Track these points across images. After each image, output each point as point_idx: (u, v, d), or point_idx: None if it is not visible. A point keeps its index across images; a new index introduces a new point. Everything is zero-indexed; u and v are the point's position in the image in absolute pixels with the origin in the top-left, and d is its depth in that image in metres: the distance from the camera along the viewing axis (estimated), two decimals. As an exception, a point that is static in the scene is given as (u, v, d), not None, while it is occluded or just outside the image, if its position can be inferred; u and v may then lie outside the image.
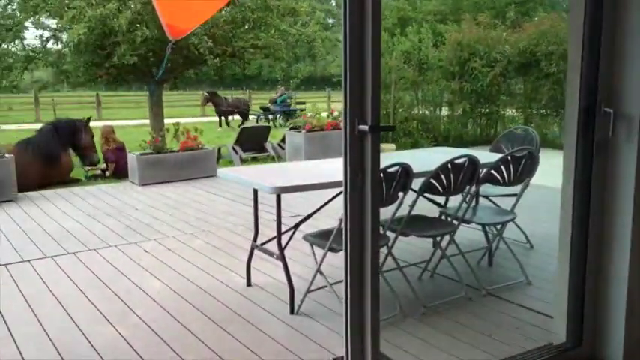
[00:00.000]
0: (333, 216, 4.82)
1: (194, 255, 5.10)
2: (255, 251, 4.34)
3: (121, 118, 28.81)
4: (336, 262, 3.86)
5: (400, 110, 13.53)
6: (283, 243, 3.99)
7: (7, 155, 7.44)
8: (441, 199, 4.49)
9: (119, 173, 9.25)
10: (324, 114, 11.75)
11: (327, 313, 3.80)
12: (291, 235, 4.24)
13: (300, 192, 4.33)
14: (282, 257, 3.93)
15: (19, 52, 11.06)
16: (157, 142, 8.67)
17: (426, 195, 3.89)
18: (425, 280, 4.39)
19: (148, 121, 23.43)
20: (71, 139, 9.40)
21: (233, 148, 11.44)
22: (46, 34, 11.73)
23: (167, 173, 8.56)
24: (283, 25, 12.34)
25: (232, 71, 16.33)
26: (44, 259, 4.99)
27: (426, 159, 4.91)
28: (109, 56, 11.27)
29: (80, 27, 10.18)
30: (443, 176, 3.82)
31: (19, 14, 11.41)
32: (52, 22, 11.71)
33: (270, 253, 4.10)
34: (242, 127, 11.93)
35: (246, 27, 12.64)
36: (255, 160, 11.64)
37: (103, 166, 9.79)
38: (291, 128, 10.77)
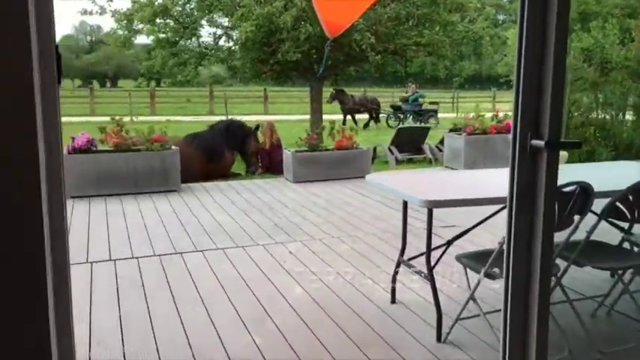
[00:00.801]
0: (493, 231, 4.32)
1: (338, 261, 4.87)
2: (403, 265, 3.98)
3: (285, 112, 29.96)
4: (494, 286, 3.39)
5: (576, 114, 12.23)
6: (433, 260, 3.59)
7: (173, 147, 7.85)
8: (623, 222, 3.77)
9: (275, 169, 9.39)
10: (488, 115, 10.95)
11: (479, 346, 3.33)
12: (443, 252, 3.82)
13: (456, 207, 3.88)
14: (430, 278, 3.53)
15: (193, 49, 11.75)
16: (312, 139, 8.64)
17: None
18: (600, 318, 3.72)
19: (308, 117, 24.15)
20: (239, 143, 9.63)
21: (389, 149, 11.13)
22: (219, 31, 12.35)
23: (321, 171, 8.50)
24: (452, 18, 11.74)
25: (393, 69, 16.00)
26: (194, 253, 5.08)
27: (609, 175, 4.19)
28: (273, 53, 11.56)
29: (248, 24, 10.53)
30: (632, 198, 3.17)
31: (196, 13, 12.13)
32: (225, 21, 12.30)
33: (418, 272, 3.72)
34: (399, 127, 11.57)
35: (410, 23, 12.25)
36: (411, 161, 11.23)
37: (259, 163, 10.02)
38: (451, 130, 10.20)
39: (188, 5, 12.09)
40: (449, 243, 3.81)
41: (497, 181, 3.81)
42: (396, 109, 22.63)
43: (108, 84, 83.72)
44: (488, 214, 3.77)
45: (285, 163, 8.74)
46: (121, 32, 12.40)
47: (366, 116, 21.51)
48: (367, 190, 7.89)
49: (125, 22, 12.09)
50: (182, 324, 3.66)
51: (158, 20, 12.02)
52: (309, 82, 13.15)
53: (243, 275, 4.53)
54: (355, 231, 5.82)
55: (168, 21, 12.26)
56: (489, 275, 3.20)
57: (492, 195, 3.33)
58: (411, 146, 11.34)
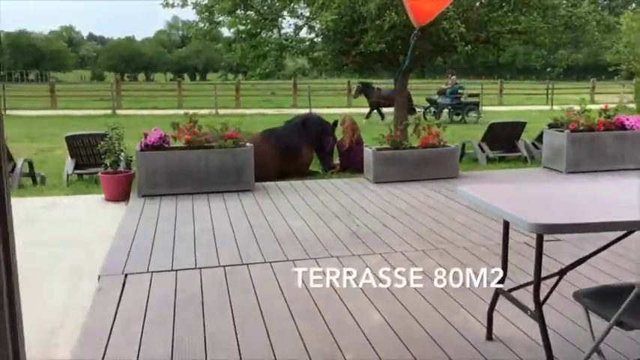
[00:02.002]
0: (619, 260, 3.56)
1: (423, 282, 4.23)
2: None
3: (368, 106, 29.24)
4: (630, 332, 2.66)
5: None
6: (543, 294, 2.90)
7: (247, 144, 7.45)
8: None
9: (355, 168, 8.79)
10: (592, 107, 9.78)
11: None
12: (555, 285, 3.10)
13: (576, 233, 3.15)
14: (539, 316, 2.84)
15: (273, 41, 11.34)
16: (395, 136, 7.99)
17: None
18: None
19: (391, 109, 23.28)
20: (316, 139, 9.06)
21: (479, 146, 10.26)
22: (300, 22, 11.87)
23: (404, 171, 7.84)
24: (552, 1, 10.63)
25: (485, 59, 14.92)
26: (262, 265, 4.60)
27: None
28: (356, 44, 10.93)
29: (329, 14, 9.96)
30: None
31: (277, 3, 11.71)
32: (306, 11, 11.80)
33: (523, 307, 3.03)
34: (491, 122, 10.62)
35: (505, 9, 11.23)
36: (503, 159, 10.30)
37: (337, 160, 9.44)
38: (551, 126, 9.16)
39: (270, -5, 11.68)
40: (562, 273, 3.09)
41: (625, 196, 3.05)
42: (432, 102, 21.17)
43: (197, 77, 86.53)
44: (610, 238, 3.03)
45: (365, 162, 8.13)
46: (202, 25, 12.20)
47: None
48: (456, 192, 7.15)
49: (206, 14, 11.87)
50: (239, 354, 3.18)
51: (238, 12, 11.71)
52: (393, 74, 12.42)
53: (313, 294, 4.00)
54: (442, 243, 5.14)
55: (249, 12, 11.93)
56: (623, 324, 2.48)
57: (626, 217, 2.61)
58: (504, 143, 10.40)
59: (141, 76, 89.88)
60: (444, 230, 5.52)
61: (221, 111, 24.85)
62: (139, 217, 6.11)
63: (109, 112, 25.12)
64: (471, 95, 21.36)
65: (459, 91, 20.91)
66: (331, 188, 7.56)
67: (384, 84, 22.22)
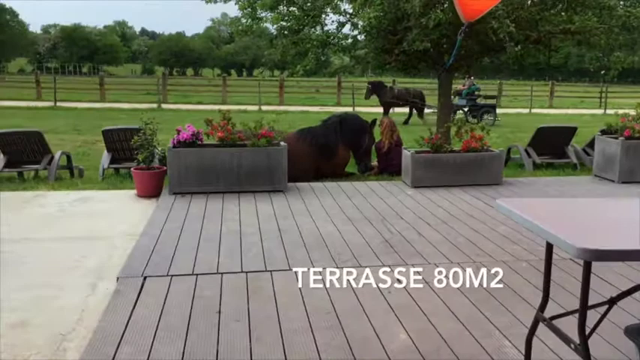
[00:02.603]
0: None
1: (456, 299, 3.92)
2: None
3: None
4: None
5: None
6: (590, 322, 2.57)
7: (281, 143, 7.25)
8: None
9: (393, 170, 8.47)
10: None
11: None
12: (604, 315, 2.76)
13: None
14: (584, 352, 2.51)
15: (314, 38, 11.10)
16: (435, 139, 7.64)
17: None
18: None
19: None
20: (354, 139, 8.75)
21: (526, 151, 9.78)
22: (342, 19, 11.61)
23: (444, 176, 7.49)
24: (609, 1, 10.04)
25: (535, 60, 14.30)
26: (286, 273, 4.37)
27: None
28: (399, 42, 10.59)
29: (372, 10, 9.66)
30: None
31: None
32: (348, 7, 11.52)
33: (566, 339, 2.70)
34: (540, 126, 10.10)
35: (558, 8, 10.68)
36: (551, 166, 9.78)
37: (374, 162, 9.12)
38: (604, 132, 8.63)
39: (313, -10, 11.44)
40: (611, 302, 2.74)
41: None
42: None
43: (244, 73, 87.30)
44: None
45: (403, 165, 7.81)
46: (244, 20, 12.07)
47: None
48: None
49: (249, 9, 11.73)
50: (252, 373, 2.96)
51: (281, 8, 11.53)
52: (439, 75, 12.01)
53: (337, 308, 3.75)
54: (480, 256, 4.80)
55: (292, 9, 11.73)
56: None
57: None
58: (552, 148, 9.89)
59: (189, 71, 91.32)
60: (483, 242, 5.17)
61: (264, 107, 24.85)
62: (167, 215, 5.98)
63: (154, 105, 25.44)
64: (487, 97, 20.53)
65: (475, 92, 20.25)
66: (366, 191, 7.28)
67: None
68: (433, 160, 7.54)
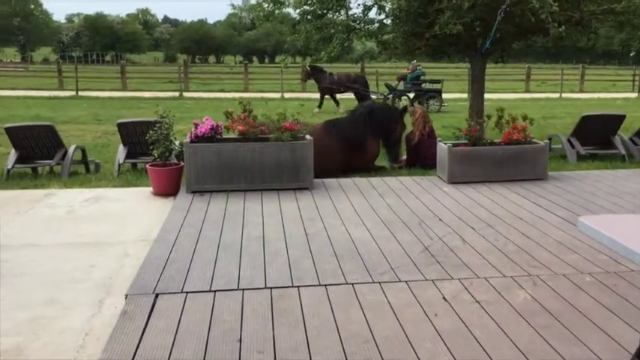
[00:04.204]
0: None
1: (515, 324, 3.36)
2: None
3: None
4: None
5: None
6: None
7: (307, 137, 6.70)
8: None
9: (427, 164, 7.86)
10: None
11: None
12: None
13: None
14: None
15: (339, 23, 10.49)
16: (473, 131, 7.03)
17: None
18: None
19: (465, 95, 21.87)
20: (384, 128, 8.14)
21: (569, 141, 9.09)
22: (369, 2, 10.96)
23: (483, 171, 6.89)
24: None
25: (575, 42, 13.42)
26: (315, 289, 3.85)
27: None
28: (430, 25, 9.93)
29: (403, -9, 9.02)
30: None
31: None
32: (376, -11, 10.87)
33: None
34: (584, 114, 9.38)
35: (603, -14, 9.91)
36: (596, 157, 9.07)
37: (403, 157, 8.51)
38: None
39: (337, -27, 10.81)
40: None
41: None
42: (391, 89, 19.39)
43: (267, 60, 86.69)
44: None
45: (438, 159, 7.21)
46: (266, 5, 11.51)
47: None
48: (545, 198, 6.16)
49: (270, -8, 11.16)
50: None
51: (304, -9, 10.93)
52: (471, 60, 11.32)
53: (375, 334, 3.22)
54: (536, 268, 4.22)
55: (315, -9, 11.13)
56: None
57: None
58: (598, 138, 9.17)
59: (211, 58, 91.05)
60: (537, 250, 4.58)
61: (287, 95, 24.30)
62: (184, 217, 5.49)
63: (176, 94, 25.08)
64: (432, 82, 19.54)
65: (421, 77, 19.36)
66: (400, 188, 6.71)
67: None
68: (471, 154, 6.94)
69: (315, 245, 4.70)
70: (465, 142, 7.07)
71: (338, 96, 18.96)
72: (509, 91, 26.89)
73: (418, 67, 19.88)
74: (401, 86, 19.53)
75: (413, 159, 8.25)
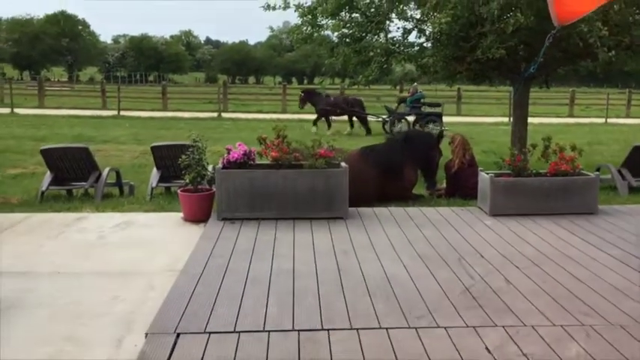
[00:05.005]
0: None
1: (567, 383, 3.02)
2: None
3: (480, 113, 27.39)
4: None
5: None
6: None
7: (342, 164, 6.48)
8: None
9: (466, 193, 7.52)
10: None
11: None
12: None
13: None
14: None
15: (377, 46, 10.30)
16: (518, 160, 6.68)
17: None
18: None
19: (506, 119, 21.31)
20: (422, 154, 7.88)
21: (619, 172, 8.61)
22: (409, 25, 10.76)
23: (528, 203, 6.52)
24: None
25: (626, 66, 12.87)
26: (346, 333, 3.57)
27: None
28: (472, 49, 9.65)
29: (443, 15, 8.78)
30: None
31: (385, 4, 10.68)
32: (416, 12, 10.67)
33: None
34: (636, 144, 8.88)
35: (657, 9, 9.48)
36: (647, 189, 8.56)
37: (443, 185, 8.16)
38: None
39: (378, -5, 10.65)
40: None
41: None
42: (390, 111, 18.85)
43: (305, 81, 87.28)
44: None
45: (480, 189, 6.87)
46: (304, 28, 11.42)
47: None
48: (596, 235, 5.76)
49: (309, 16, 11.08)
50: None
51: (343, 14, 10.80)
52: (512, 83, 10.97)
53: (411, 390, 2.93)
54: (589, 316, 3.84)
55: (354, 15, 11.00)
56: None
57: None
58: (650, 169, 8.68)
59: (251, 79, 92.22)
60: (590, 295, 4.20)
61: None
62: (213, 246, 5.31)
63: (214, 114, 25.29)
64: (431, 105, 18.95)
65: (422, 100, 18.79)
66: (438, 220, 6.39)
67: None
68: (515, 185, 6.58)
69: (347, 282, 4.44)
70: (509, 172, 6.72)
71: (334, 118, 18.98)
72: (553, 116, 26.21)
73: (419, 91, 19.52)
74: (401, 109, 19.15)
75: (452, 188, 7.91)
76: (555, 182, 6.57)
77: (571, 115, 28.48)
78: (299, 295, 4.16)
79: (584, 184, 6.62)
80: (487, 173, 6.74)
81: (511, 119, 13.24)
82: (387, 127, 18.28)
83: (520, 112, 11.17)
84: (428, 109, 18.52)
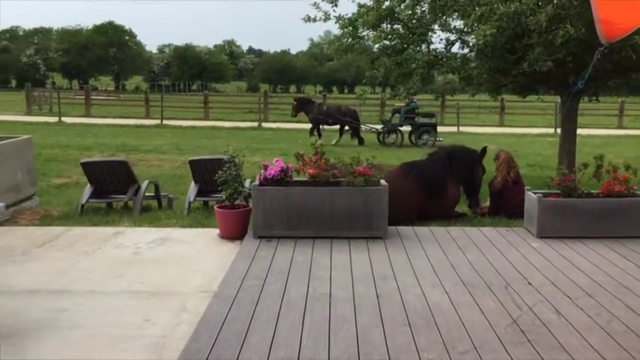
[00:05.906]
0: None
1: None
2: None
3: (525, 124, 26.71)
4: None
5: None
6: None
7: (381, 182, 6.28)
8: None
9: (509, 212, 7.20)
10: None
11: None
12: None
13: None
14: None
15: (419, 58, 10.07)
16: (568, 180, 6.35)
17: None
18: None
19: (551, 130, 20.61)
20: (465, 171, 7.60)
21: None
22: (452, 37, 10.51)
23: (578, 225, 6.19)
24: None
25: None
26: (384, 370, 3.39)
27: None
28: (517, 61, 9.33)
29: (488, 27, 8.50)
30: None
31: (427, 15, 10.45)
32: (459, 24, 10.41)
33: None
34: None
35: None
36: None
37: (486, 203, 7.84)
38: None
39: (419, 7, 10.44)
40: None
41: None
42: (384, 123, 18.40)
43: (346, 90, 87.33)
44: None
45: (527, 209, 6.56)
46: (344, 40, 11.29)
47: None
48: (653, 262, 5.39)
49: (350, 28, 10.95)
50: None
51: (384, 25, 10.63)
52: (561, 96, 10.57)
53: None
54: (649, 356, 3.56)
55: (395, 26, 10.80)
56: None
57: None
58: None
59: (292, 88, 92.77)
60: (650, 331, 3.90)
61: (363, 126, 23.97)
62: (248, 267, 5.19)
63: (255, 124, 25.39)
64: (424, 115, 18.41)
65: (416, 110, 18.29)
66: (482, 241, 6.12)
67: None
68: (565, 206, 6.25)
69: (386, 310, 4.24)
70: (558, 192, 6.40)
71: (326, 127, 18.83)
72: (601, 127, 25.36)
73: (414, 100, 18.85)
74: (395, 120, 18.82)
75: (496, 207, 7.59)
76: (608, 204, 6.22)
77: (620, 127, 27.50)
78: (335, 324, 3.99)
79: (638, 205, 6.23)
80: (535, 193, 6.43)
81: (558, 131, 12.79)
82: (381, 137, 18.22)
83: (568, 126, 10.75)
84: (422, 120, 18.34)
